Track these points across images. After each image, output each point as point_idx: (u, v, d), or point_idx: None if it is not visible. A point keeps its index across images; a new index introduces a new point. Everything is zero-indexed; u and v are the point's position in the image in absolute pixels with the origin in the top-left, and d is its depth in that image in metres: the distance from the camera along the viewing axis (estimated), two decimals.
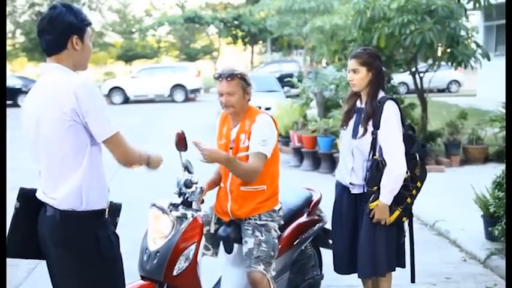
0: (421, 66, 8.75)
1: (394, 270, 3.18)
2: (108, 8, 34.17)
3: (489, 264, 4.36)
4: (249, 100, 2.97)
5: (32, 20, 29.00)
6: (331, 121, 8.52)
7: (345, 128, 3.16)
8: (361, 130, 3.01)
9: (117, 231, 2.35)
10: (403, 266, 3.21)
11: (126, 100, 22.34)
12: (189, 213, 2.72)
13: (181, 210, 2.72)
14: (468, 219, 5.07)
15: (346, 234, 3.15)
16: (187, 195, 2.75)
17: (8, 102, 21.72)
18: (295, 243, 3.26)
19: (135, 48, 37.29)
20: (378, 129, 2.95)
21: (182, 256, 2.64)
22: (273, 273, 3.00)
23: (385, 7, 7.01)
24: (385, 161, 2.92)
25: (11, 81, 22.88)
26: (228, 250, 3.14)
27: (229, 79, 2.87)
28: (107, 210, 2.25)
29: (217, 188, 3.16)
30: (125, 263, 2.30)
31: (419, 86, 8.25)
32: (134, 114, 17.50)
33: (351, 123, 3.11)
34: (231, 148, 2.98)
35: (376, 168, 2.94)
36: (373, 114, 2.97)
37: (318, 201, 3.54)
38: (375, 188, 2.95)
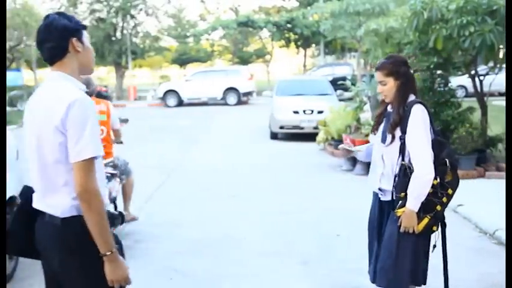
0: (481, 68, 8.43)
1: (419, 285, 2.99)
2: (164, 13, 34.94)
3: None
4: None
5: (92, 26, 30.04)
6: None
7: (375, 132, 3.11)
8: (388, 137, 2.94)
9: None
10: (423, 283, 3.00)
11: (180, 103, 22.83)
12: None
13: None
14: None
15: (374, 241, 3.09)
16: None
17: None
18: None
19: (190, 52, 37.99)
20: (406, 133, 2.87)
21: None
22: None
23: (443, 8, 6.81)
24: (413, 167, 2.83)
25: None
26: None
27: None
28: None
29: None
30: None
31: (478, 89, 7.95)
32: (187, 117, 17.85)
33: (381, 128, 3.06)
34: None
35: (403, 174, 2.85)
36: (400, 121, 2.89)
37: None
38: (403, 194, 2.86)
